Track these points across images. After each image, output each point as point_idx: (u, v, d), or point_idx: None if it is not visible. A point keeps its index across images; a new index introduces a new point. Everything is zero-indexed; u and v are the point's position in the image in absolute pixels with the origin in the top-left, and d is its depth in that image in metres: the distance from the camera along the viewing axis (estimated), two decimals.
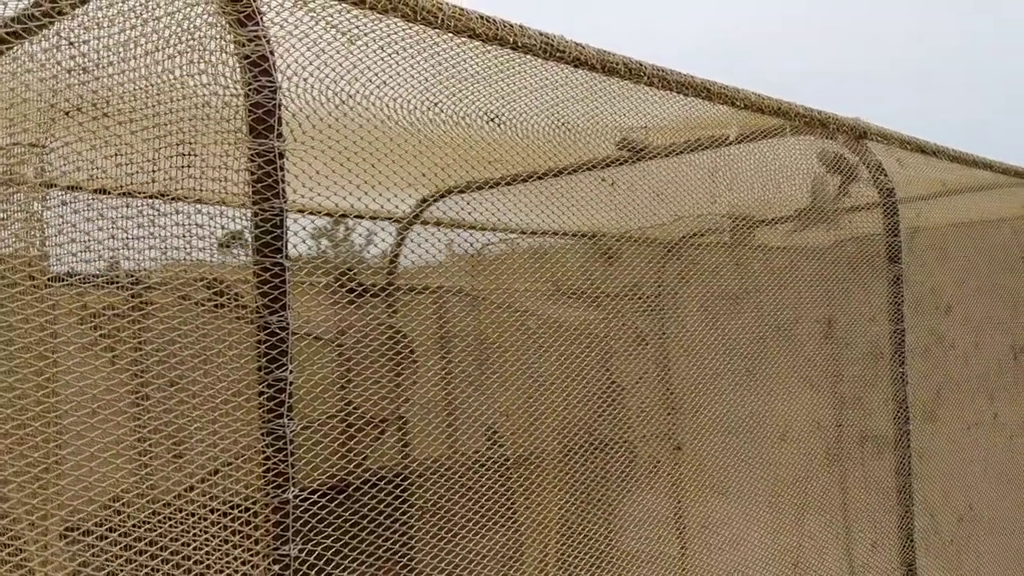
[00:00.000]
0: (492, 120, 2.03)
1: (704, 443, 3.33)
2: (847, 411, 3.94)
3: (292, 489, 1.48)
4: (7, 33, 1.66)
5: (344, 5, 1.73)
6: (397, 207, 2.34)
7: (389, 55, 1.79)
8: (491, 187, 2.92)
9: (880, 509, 3.62)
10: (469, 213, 2.46)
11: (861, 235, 3.67)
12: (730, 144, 3.24)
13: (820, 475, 3.78)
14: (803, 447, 3.68)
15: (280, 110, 1.53)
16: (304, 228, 2.05)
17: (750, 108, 2.91)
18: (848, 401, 3.89)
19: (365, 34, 1.79)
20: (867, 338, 3.75)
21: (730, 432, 3.39)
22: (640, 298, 3.53)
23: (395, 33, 1.85)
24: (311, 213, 1.94)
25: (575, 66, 2.22)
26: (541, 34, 2.12)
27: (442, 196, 3.60)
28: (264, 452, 1.48)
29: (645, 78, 2.47)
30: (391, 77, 1.77)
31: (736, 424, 3.40)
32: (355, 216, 4.07)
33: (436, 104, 1.87)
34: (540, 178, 2.91)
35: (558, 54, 2.17)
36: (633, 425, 3.34)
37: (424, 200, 3.83)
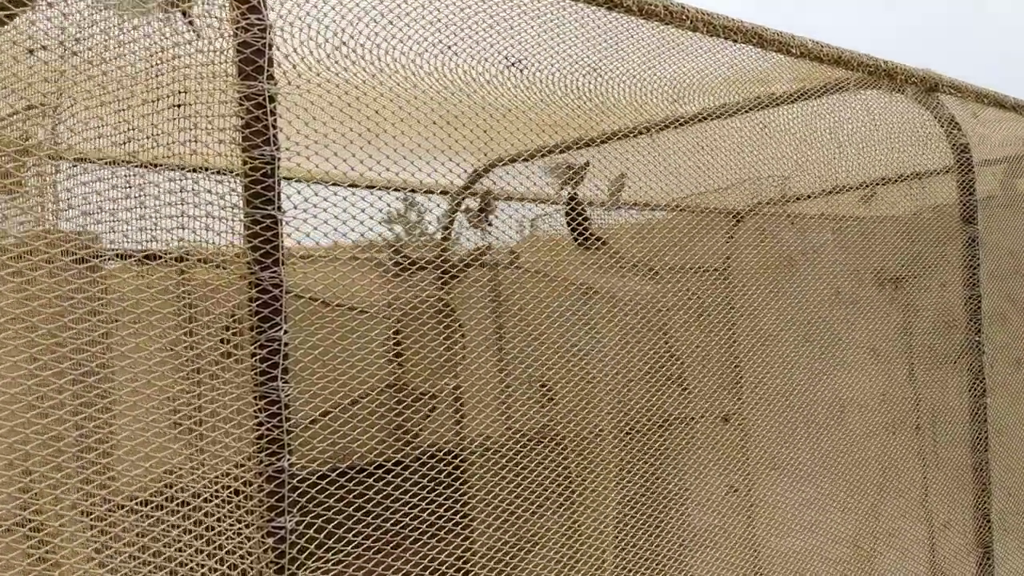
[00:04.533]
0: (513, 65, 1.88)
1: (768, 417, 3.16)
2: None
3: (288, 457, 1.38)
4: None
5: None
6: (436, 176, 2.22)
7: None
8: (544, 155, 2.77)
9: (955, 487, 3.39)
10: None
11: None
12: (783, 103, 3.03)
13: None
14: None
15: (271, 50, 1.42)
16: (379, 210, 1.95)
17: (806, 57, 2.70)
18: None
19: None
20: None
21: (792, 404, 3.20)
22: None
23: None
24: (354, 185, 1.83)
25: (608, 8, 2.06)
26: None
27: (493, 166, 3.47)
28: (257, 417, 1.37)
29: (688, 23, 2.30)
30: (398, 18, 1.64)
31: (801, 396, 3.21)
32: (397, 189, 3.97)
33: (451, 47, 1.74)
34: (588, 145, 2.76)
35: None
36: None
37: (476, 171, 3.70)
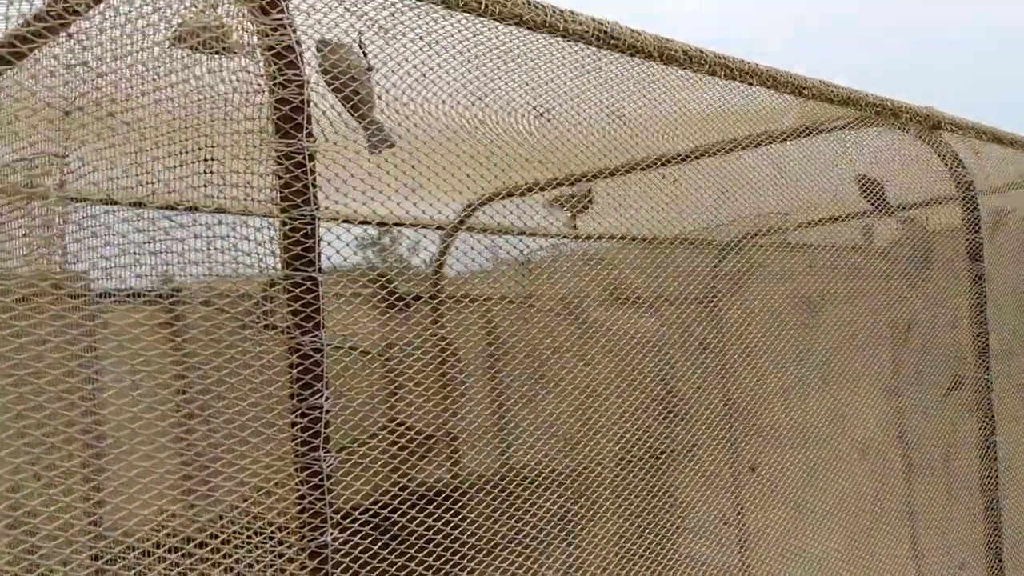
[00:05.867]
0: (541, 115, 1.85)
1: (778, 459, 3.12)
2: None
3: (331, 532, 1.32)
4: (22, 37, 1.52)
5: None
6: (440, 212, 2.17)
7: (428, 45, 1.63)
8: (542, 190, 2.74)
9: (965, 525, 3.37)
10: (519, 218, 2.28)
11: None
12: (796, 137, 3.02)
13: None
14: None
15: (309, 106, 1.37)
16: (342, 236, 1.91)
17: (817, 97, 2.70)
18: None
19: (401, 22, 1.62)
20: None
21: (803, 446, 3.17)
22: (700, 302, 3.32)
23: (435, 22, 1.69)
24: (347, 221, 1.78)
25: (631, 55, 2.04)
26: (594, 20, 1.94)
27: (489, 200, 3.44)
28: (298, 490, 1.31)
29: (707, 67, 2.28)
30: (431, 70, 1.61)
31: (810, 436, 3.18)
32: (396, 224, 3.91)
33: (481, 99, 1.70)
34: (595, 178, 2.73)
35: (612, 42, 1.99)
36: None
37: (470, 205, 3.67)
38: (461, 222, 3.84)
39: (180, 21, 1.50)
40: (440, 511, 1.75)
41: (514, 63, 1.79)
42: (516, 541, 2.36)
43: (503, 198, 2.95)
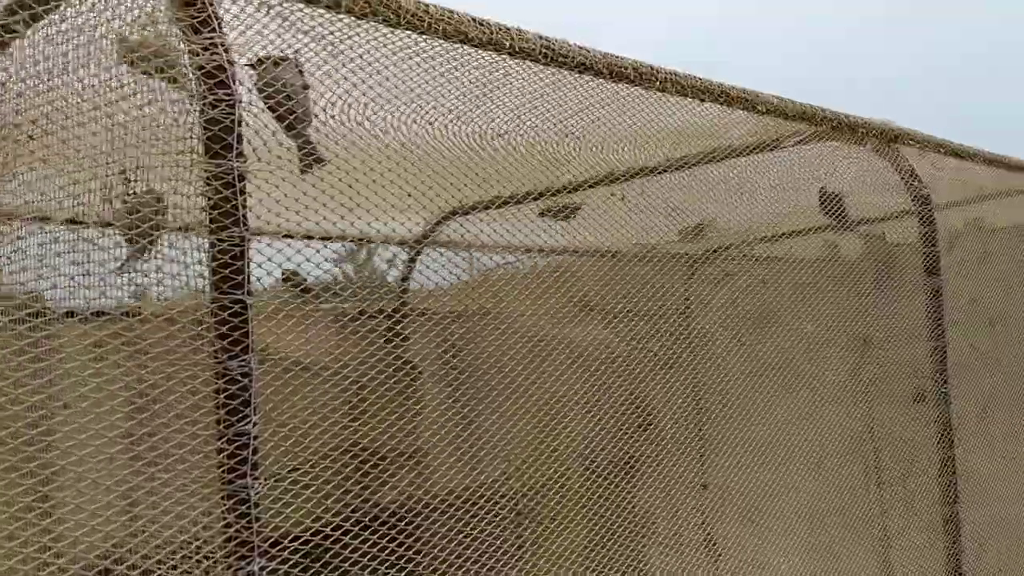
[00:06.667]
0: (500, 136, 1.84)
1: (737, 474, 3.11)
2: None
3: (258, 560, 1.29)
4: None
5: (316, 9, 1.55)
6: (392, 228, 2.16)
7: (370, 64, 1.61)
8: (499, 207, 2.73)
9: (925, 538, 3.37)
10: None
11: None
12: (748, 153, 3.03)
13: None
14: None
15: (240, 126, 1.35)
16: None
17: (772, 113, 2.70)
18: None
19: (342, 41, 1.60)
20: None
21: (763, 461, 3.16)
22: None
23: (377, 39, 1.67)
24: (288, 236, 1.75)
25: (579, 72, 2.03)
26: (540, 38, 1.93)
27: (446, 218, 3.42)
28: (225, 518, 1.28)
29: (657, 83, 2.28)
30: (371, 88, 1.59)
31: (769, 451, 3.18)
32: (342, 237, 3.87)
33: (431, 122, 1.68)
34: (545, 195, 2.72)
35: (560, 59, 1.98)
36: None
37: (436, 223, 3.65)
38: (421, 240, 3.82)
39: (119, 39, 1.47)
40: (376, 536, 1.73)
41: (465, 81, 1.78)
42: (471, 560, 2.33)
43: (459, 215, 2.94)
